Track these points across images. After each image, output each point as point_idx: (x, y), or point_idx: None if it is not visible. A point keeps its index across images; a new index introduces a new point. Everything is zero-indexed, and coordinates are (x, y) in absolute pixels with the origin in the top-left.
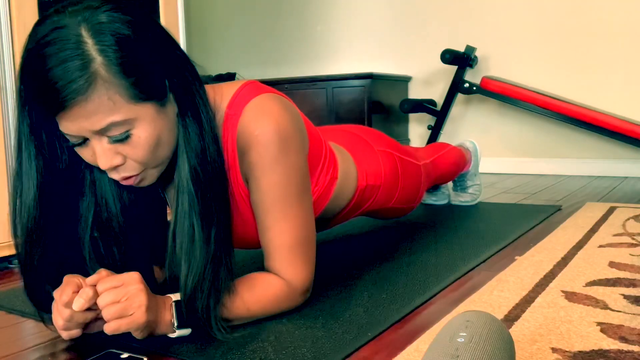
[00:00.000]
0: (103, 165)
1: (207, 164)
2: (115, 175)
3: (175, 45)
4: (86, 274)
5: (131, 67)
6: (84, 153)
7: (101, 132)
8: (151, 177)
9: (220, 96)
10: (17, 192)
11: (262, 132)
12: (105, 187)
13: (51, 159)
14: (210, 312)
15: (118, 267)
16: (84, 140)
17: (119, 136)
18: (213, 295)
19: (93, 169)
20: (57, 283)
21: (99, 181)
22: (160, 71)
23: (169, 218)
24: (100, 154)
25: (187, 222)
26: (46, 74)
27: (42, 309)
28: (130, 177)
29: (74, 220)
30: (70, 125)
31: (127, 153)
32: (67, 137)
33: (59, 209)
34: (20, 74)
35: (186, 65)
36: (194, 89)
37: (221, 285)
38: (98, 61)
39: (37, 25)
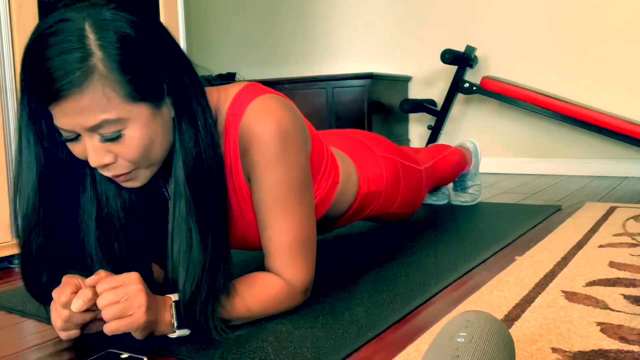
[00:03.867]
0: (93, 162)
1: (202, 170)
2: (105, 172)
3: (178, 48)
4: (87, 269)
5: (130, 66)
6: (76, 149)
7: (93, 129)
8: (143, 177)
9: (225, 97)
10: (17, 180)
11: (264, 131)
12: (106, 183)
13: (50, 148)
14: (208, 315)
15: (119, 265)
16: (77, 136)
17: (111, 135)
18: (211, 301)
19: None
20: (57, 275)
21: (100, 177)
22: (159, 73)
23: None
24: (91, 152)
25: (185, 226)
26: (45, 63)
27: (39, 300)
28: (120, 175)
29: (74, 214)
30: (64, 119)
31: (119, 152)
32: (61, 131)
33: (58, 200)
34: (22, 62)
35: (186, 69)
36: (192, 93)
37: (219, 290)
38: (97, 56)
39: (45, 17)
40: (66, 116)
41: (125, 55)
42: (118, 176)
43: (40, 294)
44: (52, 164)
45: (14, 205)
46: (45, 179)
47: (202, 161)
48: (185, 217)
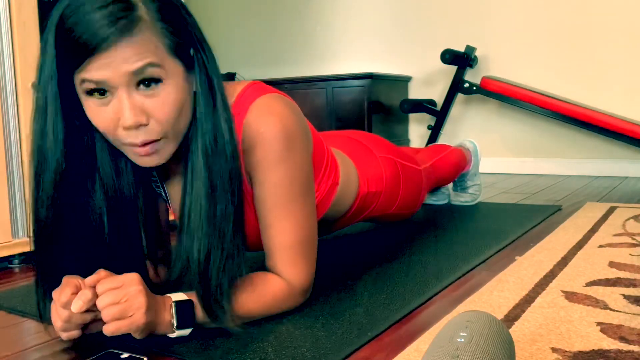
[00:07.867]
0: (128, 119)
1: (219, 147)
2: (134, 138)
3: (198, 26)
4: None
5: (169, 21)
6: (106, 111)
7: (136, 74)
8: (166, 151)
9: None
10: (40, 149)
11: (267, 130)
12: (106, 172)
13: (71, 121)
14: (224, 291)
15: (110, 257)
16: (106, 95)
17: (151, 84)
18: (227, 273)
19: (97, 154)
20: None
21: (102, 169)
22: (189, 38)
23: (170, 218)
24: (127, 108)
25: (200, 200)
26: (87, 15)
27: (51, 281)
28: (149, 142)
29: (87, 201)
30: (105, 70)
31: (154, 110)
32: (95, 87)
33: (79, 175)
34: (52, 22)
35: (206, 45)
36: (213, 71)
37: (234, 263)
38: (141, 8)
39: (45, 17)
40: (109, 65)
41: (164, 12)
42: (146, 144)
43: (55, 277)
44: (74, 139)
45: (33, 177)
46: (70, 149)
47: (219, 138)
48: (202, 190)
